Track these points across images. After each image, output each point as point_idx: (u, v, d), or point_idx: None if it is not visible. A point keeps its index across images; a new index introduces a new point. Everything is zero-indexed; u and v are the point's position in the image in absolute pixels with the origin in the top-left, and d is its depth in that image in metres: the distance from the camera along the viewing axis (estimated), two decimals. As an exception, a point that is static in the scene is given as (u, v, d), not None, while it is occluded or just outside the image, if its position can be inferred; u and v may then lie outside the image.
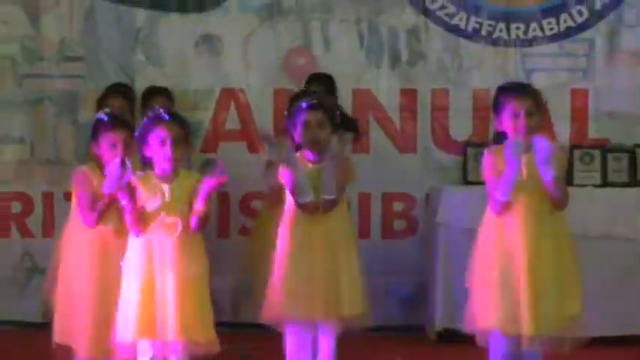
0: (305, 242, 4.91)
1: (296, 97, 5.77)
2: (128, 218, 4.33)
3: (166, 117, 4.34)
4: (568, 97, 6.85)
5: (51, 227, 6.71)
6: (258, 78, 6.94)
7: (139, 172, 4.39)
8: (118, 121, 4.75)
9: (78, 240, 4.78)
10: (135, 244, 4.41)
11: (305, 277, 4.83)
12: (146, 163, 4.65)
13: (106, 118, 4.78)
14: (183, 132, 4.41)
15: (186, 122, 4.64)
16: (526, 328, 4.36)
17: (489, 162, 4.54)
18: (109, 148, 4.55)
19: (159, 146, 4.31)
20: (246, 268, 6.08)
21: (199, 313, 4.41)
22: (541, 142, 4.27)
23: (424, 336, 6.34)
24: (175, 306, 4.33)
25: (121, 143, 4.53)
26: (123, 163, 4.24)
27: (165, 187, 4.28)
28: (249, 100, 6.84)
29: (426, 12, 7.01)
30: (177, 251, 4.35)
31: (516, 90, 4.76)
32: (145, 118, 4.68)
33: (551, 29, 6.98)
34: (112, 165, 4.28)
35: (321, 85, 6.29)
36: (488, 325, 4.46)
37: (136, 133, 4.53)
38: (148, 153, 4.38)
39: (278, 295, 4.84)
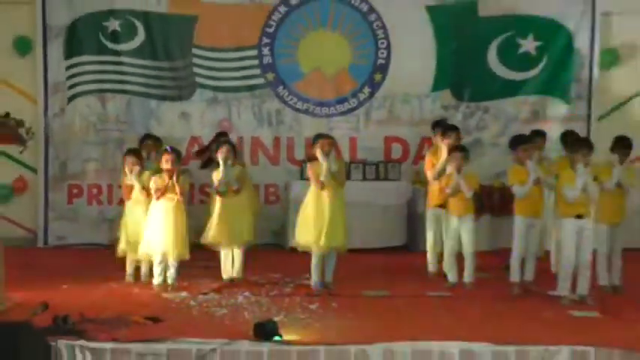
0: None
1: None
2: (156, 195, 7.17)
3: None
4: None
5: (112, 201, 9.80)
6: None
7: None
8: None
9: (130, 204, 7.63)
10: (156, 204, 7.30)
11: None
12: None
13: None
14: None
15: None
16: (323, 242, 7.23)
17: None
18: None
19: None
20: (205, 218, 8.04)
21: (182, 234, 7.33)
22: None
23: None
24: (172, 230, 7.22)
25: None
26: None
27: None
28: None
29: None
30: (176, 207, 7.34)
31: None
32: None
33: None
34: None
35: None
36: (307, 241, 7.39)
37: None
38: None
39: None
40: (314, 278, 7.48)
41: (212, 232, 7.68)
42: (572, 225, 6.97)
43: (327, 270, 7.52)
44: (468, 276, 7.67)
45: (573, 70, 10.55)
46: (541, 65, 10.57)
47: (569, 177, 6.98)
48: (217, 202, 7.74)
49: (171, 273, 7.36)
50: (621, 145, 7.61)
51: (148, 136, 9.17)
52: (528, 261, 7.57)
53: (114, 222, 8.29)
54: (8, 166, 9.60)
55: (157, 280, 7.35)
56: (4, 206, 9.49)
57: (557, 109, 10.50)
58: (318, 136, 7.68)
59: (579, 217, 6.96)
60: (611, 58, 10.58)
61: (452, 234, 7.68)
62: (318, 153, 7.39)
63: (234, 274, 7.74)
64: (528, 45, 10.53)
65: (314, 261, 7.47)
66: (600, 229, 7.37)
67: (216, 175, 7.70)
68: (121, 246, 7.69)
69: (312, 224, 7.39)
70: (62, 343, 5.32)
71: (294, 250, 7.84)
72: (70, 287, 7.24)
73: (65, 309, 5.98)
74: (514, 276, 7.48)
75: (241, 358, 5.33)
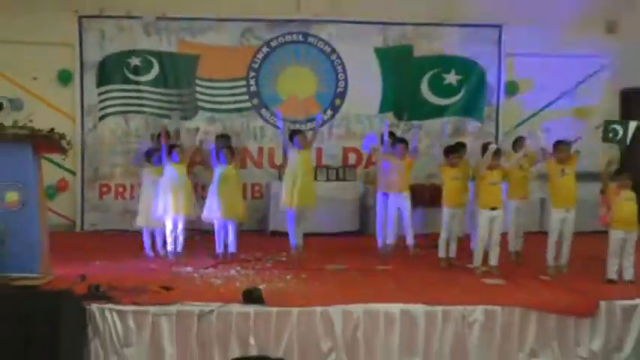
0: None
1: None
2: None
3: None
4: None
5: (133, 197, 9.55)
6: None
7: None
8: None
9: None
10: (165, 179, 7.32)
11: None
12: None
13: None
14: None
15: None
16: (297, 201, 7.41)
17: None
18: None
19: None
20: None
21: (191, 201, 7.48)
22: None
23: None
24: (183, 196, 7.29)
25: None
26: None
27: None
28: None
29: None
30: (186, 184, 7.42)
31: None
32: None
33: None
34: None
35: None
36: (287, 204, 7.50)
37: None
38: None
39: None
40: (292, 241, 7.67)
41: (208, 207, 7.63)
42: (488, 214, 6.99)
43: (298, 234, 7.66)
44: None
45: (485, 97, 10.65)
46: (461, 94, 10.63)
47: (489, 176, 7.07)
48: (215, 184, 7.62)
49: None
50: (519, 142, 7.81)
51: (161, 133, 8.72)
52: (452, 241, 7.56)
53: (134, 213, 8.09)
54: (53, 170, 9.38)
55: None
56: (50, 201, 9.29)
57: (474, 126, 10.59)
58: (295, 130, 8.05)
59: (493, 209, 6.97)
60: (513, 88, 10.77)
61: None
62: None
63: (232, 249, 7.64)
64: (451, 78, 10.59)
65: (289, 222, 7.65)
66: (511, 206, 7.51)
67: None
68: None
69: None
70: (95, 307, 5.33)
71: (273, 234, 7.91)
72: (101, 263, 7.17)
73: (97, 280, 5.94)
74: (441, 253, 7.50)
75: (233, 318, 5.34)
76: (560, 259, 7.04)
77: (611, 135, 7.16)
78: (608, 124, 7.25)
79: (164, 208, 7.31)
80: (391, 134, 8.53)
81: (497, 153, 7.22)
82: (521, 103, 10.82)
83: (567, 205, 6.93)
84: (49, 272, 6.04)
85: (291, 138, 7.80)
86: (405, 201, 7.76)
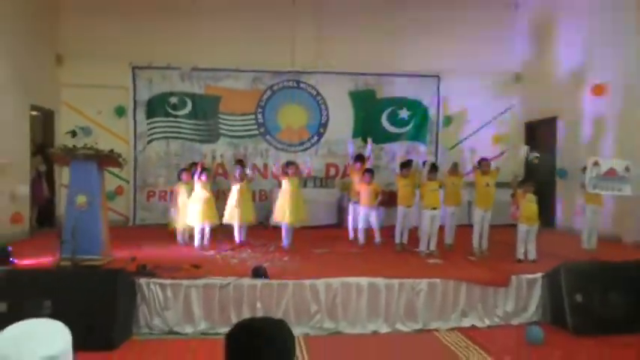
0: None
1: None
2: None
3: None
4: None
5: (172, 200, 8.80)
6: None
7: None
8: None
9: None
10: (195, 195, 7.07)
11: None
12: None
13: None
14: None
15: None
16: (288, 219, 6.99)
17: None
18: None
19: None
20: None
21: (213, 211, 7.13)
22: None
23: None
24: (208, 208, 7.04)
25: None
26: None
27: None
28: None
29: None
30: (210, 198, 7.17)
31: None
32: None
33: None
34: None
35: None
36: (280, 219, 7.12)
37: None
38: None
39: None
40: (285, 241, 7.35)
41: (229, 213, 7.51)
42: (429, 213, 6.97)
43: (289, 237, 7.40)
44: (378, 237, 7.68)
45: (428, 128, 10.65)
46: (410, 125, 10.62)
47: (428, 185, 7.03)
48: (232, 195, 7.48)
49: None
50: (453, 166, 7.70)
51: (193, 163, 8.91)
52: (404, 231, 7.53)
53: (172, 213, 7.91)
54: (112, 179, 9.41)
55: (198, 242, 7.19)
56: (110, 202, 9.13)
57: (420, 148, 10.57)
58: (289, 162, 7.64)
59: (434, 208, 6.95)
60: (448, 121, 10.78)
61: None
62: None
63: (243, 239, 7.57)
64: (403, 113, 10.58)
65: (284, 229, 7.32)
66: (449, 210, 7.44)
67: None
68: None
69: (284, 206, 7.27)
70: (143, 281, 5.26)
71: (274, 227, 7.67)
72: (147, 248, 7.07)
73: (144, 261, 5.87)
74: (397, 239, 7.47)
75: (244, 288, 5.27)
76: (482, 245, 7.04)
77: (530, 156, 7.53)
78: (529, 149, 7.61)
79: (194, 216, 7.18)
80: (361, 157, 8.39)
81: (434, 168, 7.23)
82: (454, 131, 10.82)
83: (486, 207, 6.97)
84: (109, 255, 5.99)
85: (285, 167, 7.49)
86: (371, 211, 7.64)
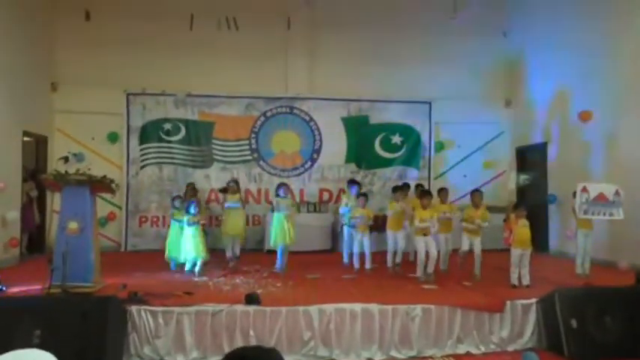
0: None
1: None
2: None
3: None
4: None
5: (165, 225, 9.30)
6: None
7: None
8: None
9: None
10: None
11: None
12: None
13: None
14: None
15: None
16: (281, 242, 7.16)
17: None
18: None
19: None
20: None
21: (203, 245, 6.93)
22: None
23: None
24: (198, 243, 6.88)
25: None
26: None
27: None
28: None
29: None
30: (199, 233, 6.90)
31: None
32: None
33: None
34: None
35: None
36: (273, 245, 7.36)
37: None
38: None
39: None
40: (278, 263, 7.29)
41: (225, 229, 7.77)
42: (422, 239, 6.88)
43: (283, 259, 7.34)
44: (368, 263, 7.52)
45: (420, 153, 10.65)
46: (403, 150, 10.63)
47: (420, 214, 6.90)
48: (226, 215, 7.74)
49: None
50: (443, 192, 7.75)
51: (188, 184, 9.22)
52: (398, 256, 7.48)
53: (165, 238, 7.81)
54: (105, 205, 9.30)
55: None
56: (102, 228, 9.12)
57: (413, 173, 10.56)
58: (282, 184, 7.69)
59: (425, 235, 6.87)
60: (440, 146, 10.81)
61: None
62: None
63: (236, 254, 7.75)
64: (396, 139, 10.58)
65: (279, 253, 7.30)
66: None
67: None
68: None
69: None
70: (133, 308, 5.16)
71: (268, 252, 7.59)
72: (139, 275, 6.96)
73: (135, 287, 5.78)
74: (390, 264, 7.42)
75: (237, 315, 5.18)
76: (474, 270, 6.99)
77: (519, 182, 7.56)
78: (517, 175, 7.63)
79: (185, 251, 7.04)
80: (355, 182, 8.41)
81: (427, 194, 7.16)
82: (445, 156, 10.84)
83: (476, 235, 7.01)
84: (99, 282, 5.90)
85: (277, 188, 7.49)
86: (365, 237, 7.49)
